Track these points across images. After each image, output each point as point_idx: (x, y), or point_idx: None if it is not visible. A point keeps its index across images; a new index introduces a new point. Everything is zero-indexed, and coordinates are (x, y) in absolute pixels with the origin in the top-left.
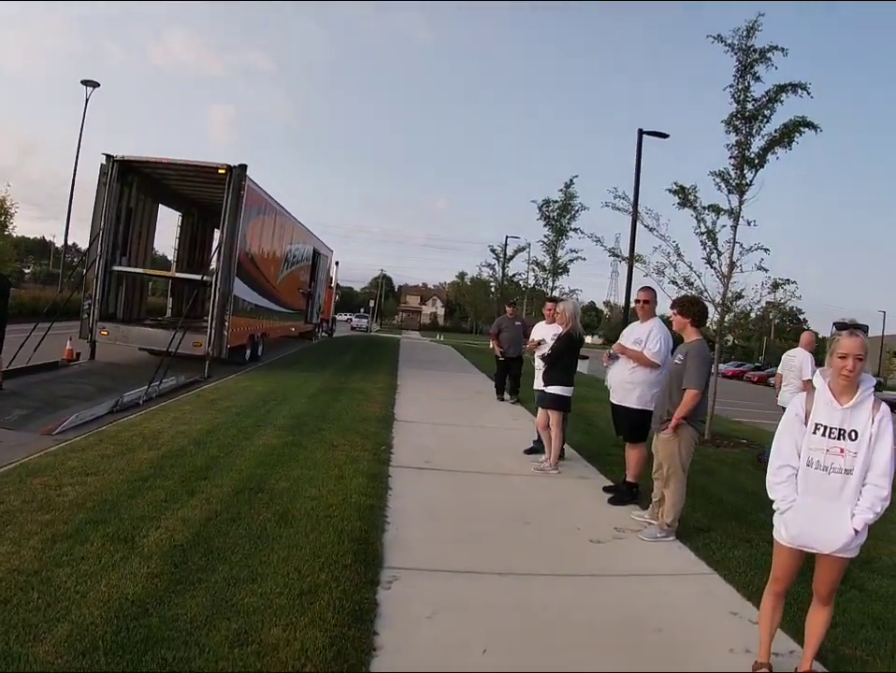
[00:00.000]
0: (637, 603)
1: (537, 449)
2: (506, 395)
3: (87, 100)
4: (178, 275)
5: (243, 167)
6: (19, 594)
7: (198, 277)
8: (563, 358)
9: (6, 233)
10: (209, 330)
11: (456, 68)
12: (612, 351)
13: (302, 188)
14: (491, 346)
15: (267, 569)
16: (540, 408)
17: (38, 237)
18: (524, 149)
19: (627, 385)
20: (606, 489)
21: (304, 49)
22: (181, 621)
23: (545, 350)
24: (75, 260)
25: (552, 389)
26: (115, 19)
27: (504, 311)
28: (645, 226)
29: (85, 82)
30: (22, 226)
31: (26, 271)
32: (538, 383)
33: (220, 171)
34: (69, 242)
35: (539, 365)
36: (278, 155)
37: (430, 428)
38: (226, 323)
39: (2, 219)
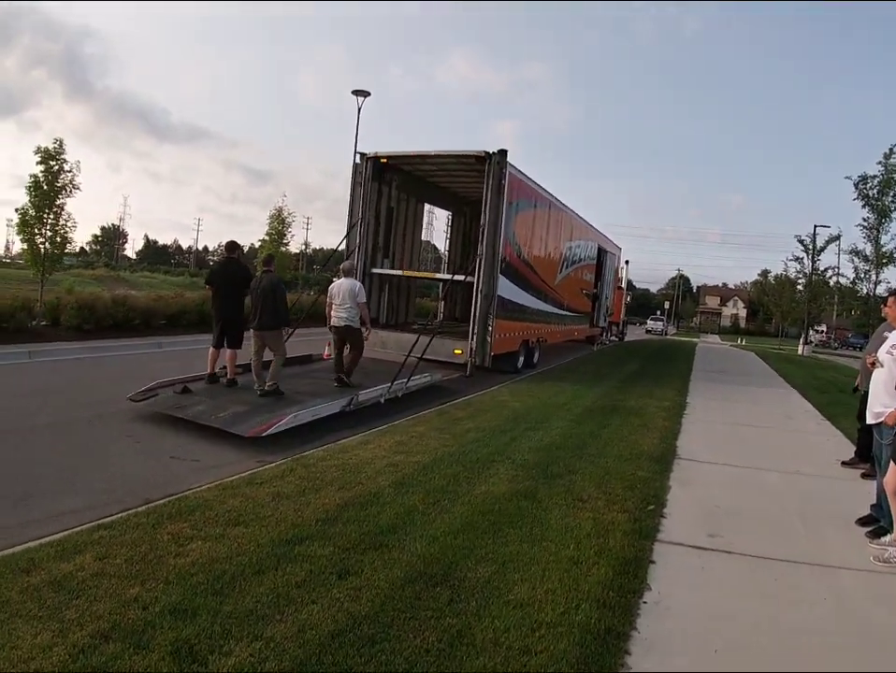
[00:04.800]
0: None
1: (877, 518)
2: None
3: (359, 109)
4: (437, 276)
5: (503, 153)
6: None
7: (457, 277)
8: None
9: (285, 241)
10: (469, 335)
11: (731, 53)
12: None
13: (590, 191)
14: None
15: None
16: (892, 463)
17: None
18: (824, 127)
19: None
20: None
21: (579, 53)
22: None
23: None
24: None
25: None
26: (396, 45)
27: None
28: None
29: (356, 92)
30: (330, 240)
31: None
32: (871, 415)
33: (476, 158)
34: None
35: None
36: (564, 162)
37: (724, 473)
38: (490, 328)
39: (280, 228)
